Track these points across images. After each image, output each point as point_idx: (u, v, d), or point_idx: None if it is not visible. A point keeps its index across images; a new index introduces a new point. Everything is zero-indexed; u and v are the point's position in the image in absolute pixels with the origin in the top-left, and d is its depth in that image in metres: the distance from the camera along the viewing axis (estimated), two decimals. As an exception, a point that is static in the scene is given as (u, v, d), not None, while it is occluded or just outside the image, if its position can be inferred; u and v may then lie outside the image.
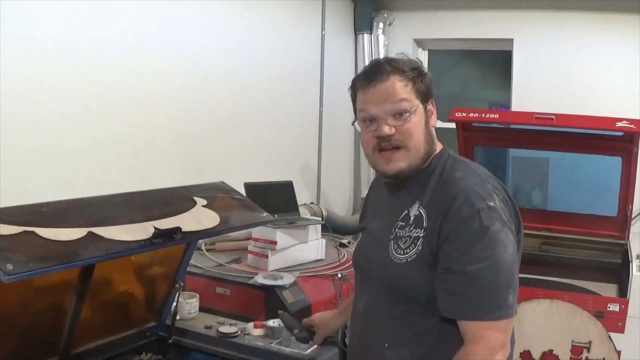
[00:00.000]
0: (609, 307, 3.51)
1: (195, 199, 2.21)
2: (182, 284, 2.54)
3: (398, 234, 1.69)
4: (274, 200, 3.34)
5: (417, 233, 1.63)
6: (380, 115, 1.68)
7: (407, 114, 1.67)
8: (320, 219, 3.77)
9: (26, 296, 2.02)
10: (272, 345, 2.43)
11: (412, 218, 1.66)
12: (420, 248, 1.61)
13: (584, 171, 4.19)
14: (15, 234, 1.56)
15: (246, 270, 3.24)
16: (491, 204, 1.55)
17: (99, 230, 1.76)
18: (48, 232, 1.63)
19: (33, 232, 1.60)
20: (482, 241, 1.51)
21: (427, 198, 1.66)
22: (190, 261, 2.60)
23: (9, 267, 1.43)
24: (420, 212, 1.66)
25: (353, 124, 1.79)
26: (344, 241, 3.93)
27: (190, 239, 2.20)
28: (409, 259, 1.63)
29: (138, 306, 2.53)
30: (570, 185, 4.17)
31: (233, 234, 3.53)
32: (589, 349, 3.56)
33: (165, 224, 1.93)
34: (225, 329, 2.53)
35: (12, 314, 1.99)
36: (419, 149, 1.70)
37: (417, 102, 1.70)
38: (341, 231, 4.51)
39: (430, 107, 1.76)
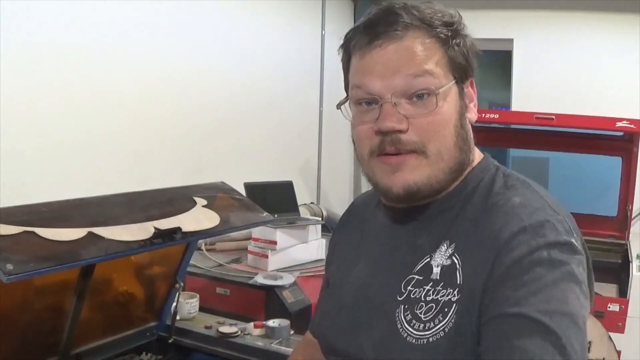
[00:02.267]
0: (609, 307, 3.50)
1: (195, 199, 2.21)
2: (182, 284, 2.54)
3: (413, 295, 1.03)
4: (274, 200, 3.35)
5: (448, 296, 0.98)
6: (386, 95, 1.04)
7: (431, 98, 1.04)
8: (320, 218, 3.77)
9: (26, 296, 2.01)
10: (273, 345, 2.43)
11: (437, 271, 1.02)
12: (453, 320, 0.97)
13: (584, 171, 4.20)
14: (15, 234, 1.55)
15: (246, 270, 3.24)
16: (573, 241, 0.98)
17: (99, 230, 1.75)
18: (48, 232, 1.62)
19: (33, 232, 1.59)
20: (556, 279, 0.93)
21: (464, 237, 1.03)
22: (191, 261, 2.60)
23: (9, 267, 1.43)
24: (453, 260, 1.01)
25: (339, 106, 1.17)
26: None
27: (190, 239, 2.20)
28: (432, 338, 0.98)
29: (138, 306, 2.53)
30: (571, 185, 4.17)
31: (233, 234, 3.53)
32: (589, 349, 3.56)
33: (166, 224, 1.93)
34: (225, 329, 2.53)
35: (12, 314, 1.99)
36: (443, 157, 1.06)
37: (448, 79, 1.07)
38: (341, 231, 4.49)
39: (469, 89, 1.13)
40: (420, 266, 1.06)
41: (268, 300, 3.03)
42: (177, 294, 2.54)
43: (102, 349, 2.37)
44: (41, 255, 1.56)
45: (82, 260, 1.69)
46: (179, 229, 1.91)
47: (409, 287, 1.05)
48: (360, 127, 1.10)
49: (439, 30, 1.07)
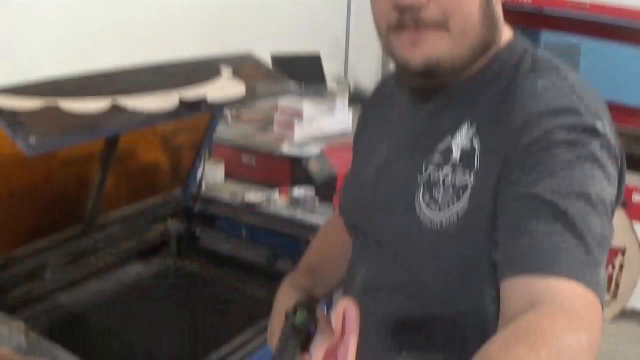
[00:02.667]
0: (633, 197, 3.48)
1: (222, 69, 2.16)
2: (207, 153, 2.54)
3: (432, 178, 0.97)
4: (301, 71, 3.29)
5: (465, 180, 0.93)
6: None
7: None
8: (347, 90, 3.72)
9: (51, 168, 2.04)
10: (297, 213, 2.45)
11: (457, 153, 0.95)
12: (466, 205, 0.92)
13: (616, 61, 4.04)
14: (38, 108, 1.53)
15: (272, 139, 3.24)
16: (597, 125, 0.88)
17: (123, 101, 1.73)
18: (71, 104, 1.60)
19: (56, 105, 1.57)
20: (576, 171, 0.84)
21: (485, 119, 0.95)
22: (216, 131, 2.59)
23: (32, 140, 1.42)
24: (472, 143, 0.94)
25: None
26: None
27: (215, 109, 2.17)
28: (444, 223, 0.93)
29: (163, 175, 2.55)
30: (601, 74, 4.02)
31: (259, 104, 3.50)
32: (611, 237, 3.58)
33: (191, 93, 1.90)
34: (250, 197, 2.55)
35: (38, 186, 2.02)
36: (467, 33, 0.95)
37: None
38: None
39: None
40: (440, 147, 0.98)
41: (293, 170, 3.05)
42: (203, 162, 2.55)
43: (128, 217, 2.42)
44: (65, 128, 1.55)
45: (106, 131, 1.68)
46: (204, 98, 1.88)
47: (430, 169, 0.98)
48: (379, 3, 0.97)
49: None
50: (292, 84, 2.38)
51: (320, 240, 1.37)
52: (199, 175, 2.58)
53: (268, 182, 2.99)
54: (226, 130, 3.31)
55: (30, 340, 1.39)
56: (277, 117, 3.29)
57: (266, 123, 3.46)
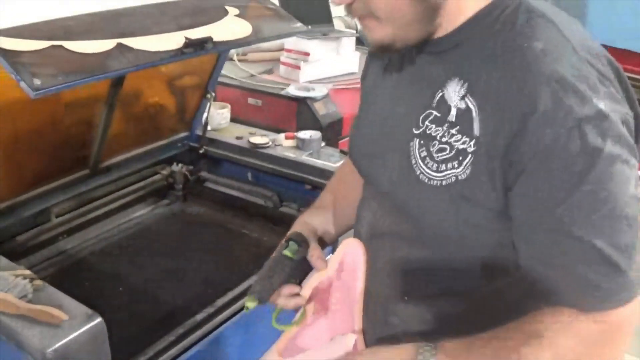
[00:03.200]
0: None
1: (227, 8, 2.11)
2: (213, 94, 2.51)
3: (429, 131, 0.96)
4: (308, 11, 3.20)
5: (462, 143, 0.91)
6: None
7: None
8: (354, 31, 3.64)
9: (56, 111, 2.00)
10: (303, 156, 2.43)
11: (454, 112, 0.93)
12: (468, 171, 0.91)
13: (627, 3, 3.93)
14: (42, 49, 1.49)
15: (278, 81, 3.19)
16: (600, 105, 0.83)
17: (128, 41, 1.68)
18: (76, 45, 1.55)
19: (60, 46, 1.52)
20: (590, 177, 0.82)
21: (480, 79, 0.91)
22: (222, 71, 2.55)
23: (37, 82, 1.39)
24: (468, 104, 0.91)
25: None
26: (379, 54, 3.81)
27: (221, 49, 2.13)
28: (444, 182, 0.93)
29: (169, 117, 2.52)
30: (611, 17, 3.92)
31: (265, 45, 3.44)
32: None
33: (197, 33, 1.85)
34: (256, 139, 2.52)
35: (42, 129, 2.00)
36: (396, 16, 0.92)
37: None
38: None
39: None
40: (436, 99, 0.97)
41: (300, 112, 3.00)
42: (208, 104, 2.51)
43: (133, 161, 2.40)
44: (69, 69, 1.50)
45: (111, 72, 1.64)
46: (210, 38, 1.84)
47: (427, 122, 0.98)
48: None
49: None
50: (299, 25, 2.33)
51: (335, 181, 1.40)
52: (204, 117, 2.55)
53: (274, 123, 2.96)
54: (232, 72, 3.25)
55: (35, 287, 1.38)
56: (284, 58, 3.24)
57: (272, 64, 3.41)
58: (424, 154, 0.97)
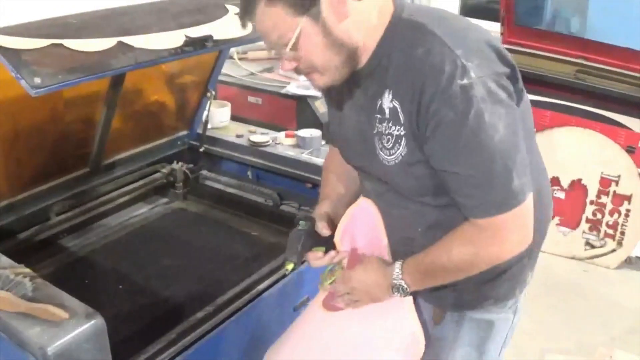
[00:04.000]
0: (640, 144, 3.46)
1: (228, 6, 2.11)
2: (213, 92, 2.51)
3: (379, 130, 1.36)
4: (310, 8, 3.21)
5: (398, 131, 1.31)
6: (273, 51, 1.34)
7: (292, 46, 1.26)
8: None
9: (56, 109, 2.01)
10: (303, 154, 2.44)
11: (387, 111, 1.33)
12: (406, 149, 1.32)
13: (627, 2, 3.93)
14: (42, 47, 1.49)
15: (278, 79, 3.20)
16: (464, 81, 1.20)
17: (128, 40, 1.69)
18: (76, 44, 1.56)
19: (61, 44, 1.52)
20: (464, 132, 1.22)
21: (395, 84, 1.30)
22: (222, 70, 2.55)
23: (37, 80, 1.39)
24: (393, 104, 1.31)
25: None
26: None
27: (222, 47, 2.14)
28: (396, 161, 1.35)
29: (169, 115, 2.52)
30: (611, 15, 3.92)
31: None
32: (617, 183, 3.56)
33: (197, 31, 1.86)
34: (256, 137, 2.53)
35: (43, 128, 2.00)
36: (330, 66, 1.30)
37: (294, 24, 1.24)
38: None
39: (325, 7, 1.24)
40: (377, 106, 1.35)
41: (300, 110, 3.01)
42: (209, 102, 2.52)
43: (134, 159, 2.41)
44: (69, 67, 1.51)
45: (111, 70, 1.65)
46: (210, 36, 1.84)
47: (376, 124, 1.36)
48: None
49: None
50: (300, 22, 2.33)
51: (325, 173, 1.74)
52: (204, 115, 2.55)
53: (274, 122, 2.96)
54: (232, 70, 3.25)
55: (35, 285, 1.38)
56: (284, 56, 3.24)
57: (273, 63, 3.41)
58: (380, 146, 1.37)
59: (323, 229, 1.56)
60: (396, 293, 1.44)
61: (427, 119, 1.24)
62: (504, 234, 1.31)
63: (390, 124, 1.33)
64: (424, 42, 1.25)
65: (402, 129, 1.31)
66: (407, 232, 1.48)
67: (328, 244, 1.57)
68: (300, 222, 1.57)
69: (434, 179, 1.34)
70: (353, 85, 1.40)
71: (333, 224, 1.59)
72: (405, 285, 1.43)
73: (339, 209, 1.62)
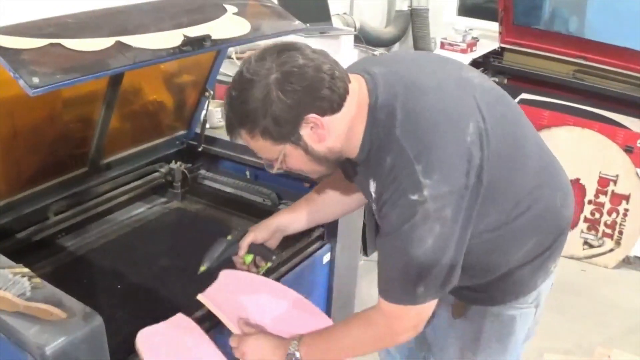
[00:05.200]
0: (639, 143, 3.46)
1: (226, 6, 2.11)
2: (212, 92, 2.51)
3: (375, 208, 1.47)
4: (307, 9, 3.21)
5: (376, 211, 1.45)
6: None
7: (276, 164, 1.42)
8: (353, 29, 3.64)
9: (54, 109, 2.01)
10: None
11: (374, 195, 1.44)
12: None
13: (626, 1, 3.93)
14: (40, 47, 1.48)
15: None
16: (414, 197, 1.31)
17: (127, 39, 1.68)
18: (74, 43, 1.55)
19: (59, 44, 1.52)
20: (395, 235, 1.35)
21: (377, 179, 1.42)
22: (221, 69, 2.55)
23: (35, 80, 1.38)
24: (376, 192, 1.42)
25: None
26: (376, 53, 3.83)
27: (220, 47, 2.13)
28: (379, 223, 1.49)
29: (167, 115, 2.52)
30: (610, 15, 3.92)
31: (264, 42, 3.43)
32: (615, 182, 3.56)
33: (195, 31, 1.85)
34: (254, 138, 2.52)
35: (41, 127, 2.00)
36: (316, 172, 1.50)
37: (278, 150, 1.37)
38: (374, 43, 4.39)
39: (305, 132, 1.35)
40: (370, 188, 1.44)
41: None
42: (207, 102, 2.52)
43: (132, 159, 2.40)
44: (68, 67, 1.50)
45: (110, 70, 1.64)
46: (208, 36, 1.84)
47: (372, 202, 1.45)
48: None
49: (247, 127, 1.35)
50: (297, 23, 2.33)
51: (316, 188, 1.84)
52: (203, 115, 2.56)
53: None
54: (231, 70, 3.25)
55: (34, 285, 1.38)
56: (282, 55, 3.24)
57: (271, 62, 3.40)
58: (375, 211, 1.45)
59: (239, 250, 1.78)
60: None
61: (381, 213, 1.38)
62: (394, 322, 1.46)
63: (375, 205, 1.44)
64: (392, 152, 1.35)
65: (376, 210, 1.44)
66: None
67: (256, 253, 1.80)
68: (229, 236, 1.79)
69: None
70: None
71: (273, 236, 1.82)
72: (298, 356, 1.53)
73: (297, 221, 1.83)
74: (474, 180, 1.34)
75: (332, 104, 1.34)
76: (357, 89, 1.39)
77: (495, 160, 1.36)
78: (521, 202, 1.45)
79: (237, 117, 1.35)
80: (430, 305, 1.42)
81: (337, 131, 1.38)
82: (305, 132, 1.35)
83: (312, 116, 1.33)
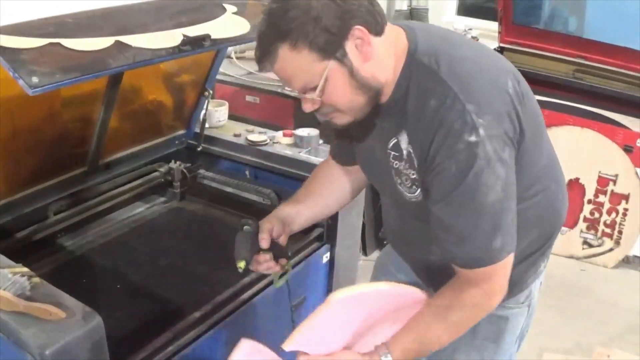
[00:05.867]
0: (638, 143, 3.46)
1: (225, 6, 2.11)
2: (211, 92, 2.51)
3: (396, 166, 1.40)
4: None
5: (413, 174, 1.36)
6: (294, 91, 1.34)
7: (317, 89, 1.26)
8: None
9: (54, 108, 2.01)
10: (301, 154, 2.44)
11: (404, 153, 1.35)
12: (421, 194, 1.38)
13: (625, 1, 3.93)
14: (40, 47, 1.49)
15: (276, 78, 3.18)
16: (472, 138, 1.22)
17: (126, 39, 1.68)
18: (74, 43, 1.55)
19: (58, 43, 1.52)
20: (461, 187, 1.25)
21: (411, 130, 1.33)
22: (220, 69, 2.55)
23: (35, 79, 1.38)
24: (409, 149, 1.34)
25: None
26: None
27: (219, 46, 2.13)
28: (415, 200, 1.40)
29: (167, 115, 2.52)
30: (609, 14, 3.92)
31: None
32: (615, 182, 3.56)
33: (194, 31, 1.85)
34: (254, 137, 2.53)
35: (41, 126, 2.00)
36: (354, 106, 1.31)
37: (322, 68, 1.23)
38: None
39: (350, 49, 1.24)
40: (391, 143, 1.37)
41: (297, 109, 3.00)
42: (206, 102, 2.52)
43: (131, 158, 2.40)
44: (67, 66, 1.50)
45: (109, 69, 1.64)
46: (208, 35, 1.84)
47: (392, 160, 1.39)
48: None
49: (293, 34, 1.19)
50: (297, 22, 2.33)
51: (310, 178, 1.76)
52: (202, 115, 2.56)
53: (272, 121, 2.96)
54: (230, 70, 3.26)
55: (33, 284, 1.38)
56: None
57: (270, 62, 3.41)
58: (399, 182, 1.41)
59: (262, 241, 1.56)
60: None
61: (431, 168, 1.27)
62: (485, 287, 1.36)
63: (407, 166, 1.36)
64: (437, 94, 1.26)
65: (415, 173, 1.34)
66: (426, 242, 1.48)
67: (273, 250, 1.59)
68: (245, 226, 1.58)
69: None
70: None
71: (283, 231, 1.63)
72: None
73: (303, 213, 1.67)
74: (518, 130, 1.29)
75: (377, 21, 1.25)
76: (395, 35, 1.32)
77: (527, 125, 1.32)
78: (533, 186, 1.42)
79: (279, 29, 1.19)
80: (509, 261, 1.33)
81: (380, 57, 1.28)
82: (350, 48, 1.23)
83: (359, 28, 1.22)
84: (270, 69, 1.26)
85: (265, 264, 1.59)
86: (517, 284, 1.52)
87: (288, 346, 1.37)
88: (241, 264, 1.55)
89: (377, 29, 1.25)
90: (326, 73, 1.23)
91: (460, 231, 1.30)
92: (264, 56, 1.24)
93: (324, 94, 1.27)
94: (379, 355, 1.39)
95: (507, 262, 1.33)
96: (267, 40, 1.22)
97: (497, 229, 1.28)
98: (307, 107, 1.30)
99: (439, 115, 1.25)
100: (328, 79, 1.24)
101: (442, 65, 1.28)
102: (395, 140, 1.36)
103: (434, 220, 1.34)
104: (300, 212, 1.68)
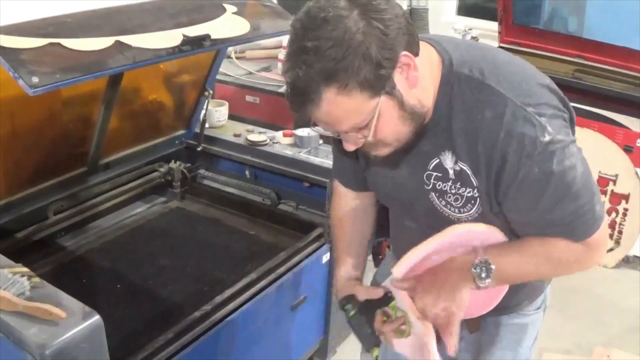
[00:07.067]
0: (638, 143, 3.45)
1: (225, 6, 2.11)
2: (211, 92, 2.51)
3: (439, 187, 1.31)
4: (307, 8, 3.20)
5: (469, 192, 1.28)
6: (337, 133, 1.20)
7: (371, 129, 1.15)
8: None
9: (54, 108, 2.01)
10: (301, 154, 2.44)
11: (451, 172, 1.27)
12: (481, 208, 1.29)
13: (625, 1, 3.93)
14: (39, 47, 1.49)
15: (276, 78, 3.19)
16: (545, 138, 1.17)
17: (126, 39, 1.68)
18: (74, 43, 1.55)
19: (58, 44, 1.52)
20: (551, 182, 1.19)
21: (462, 147, 1.24)
22: (220, 69, 2.55)
23: (35, 79, 1.38)
24: (460, 167, 1.25)
25: None
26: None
27: (219, 46, 2.13)
28: (471, 216, 1.31)
29: (167, 115, 2.52)
30: (609, 14, 3.92)
31: (263, 42, 3.44)
32: (615, 182, 3.56)
33: (195, 31, 1.85)
34: (254, 137, 2.53)
35: (41, 126, 2.00)
36: (400, 137, 1.21)
37: (373, 106, 1.12)
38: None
39: (397, 78, 1.12)
40: (432, 166, 1.30)
41: (297, 109, 3.00)
42: (206, 102, 2.52)
43: (131, 158, 2.40)
44: (67, 66, 1.50)
45: (109, 69, 1.64)
46: (208, 35, 1.84)
47: (433, 180, 1.31)
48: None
49: (342, 75, 1.06)
50: (297, 22, 2.33)
51: (337, 223, 1.63)
52: (202, 115, 2.56)
53: (272, 121, 2.96)
54: (230, 70, 3.25)
55: (33, 284, 1.38)
56: (282, 55, 3.24)
57: (270, 62, 3.41)
58: (444, 203, 1.32)
59: (372, 294, 1.45)
60: (478, 271, 1.29)
61: (513, 181, 1.21)
62: (601, 248, 1.32)
63: (458, 185, 1.28)
64: (491, 104, 1.19)
65: (475, 191, 1.27)
66: None
67: (381, 302, 1.45)
68: (346, 307, 1.47)
69: (496, 223, 1.32)
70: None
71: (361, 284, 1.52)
72: (490, 262, 1.29)
73: (359, 262, 1.57)
74: (567, 115, 1.28)
75: (415, 41, 1.15)
76: (425, 50, 1.21)
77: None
78: None
79: (322, 72, 1.04)
80: (606, 221, 1.31)
81: (422, 79, 1.18)
82: (397, 77, 1.12)
83: (405, 54, 1.11)
84: (310, 115, 1.13)
85: (389, 325, 1.43)
86: (537, 288, 1.54)
87: (397, 271, 1.35)
88: (375, 352, 1.50)
89: (416, 50, 1.15)
90: (378, 110, 1.12)
91: (566, 218, 1.24)
92: (305, 104, 1.09)
93: (377, 132, 1.16)
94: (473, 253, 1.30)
95: (605, 222, 1.31)
96: (307, 85, 1.07)
97: (592, 196, 1.25)
98: (351, 147, 1.20)
99: (503, 126, 1.18)
100: (380, 115, 1.13)
101: (487, 73, 1.21)
102: (437, 160, 1.28)
103: (531, 226, 1.29)
104: (356, 263, 1.58)
